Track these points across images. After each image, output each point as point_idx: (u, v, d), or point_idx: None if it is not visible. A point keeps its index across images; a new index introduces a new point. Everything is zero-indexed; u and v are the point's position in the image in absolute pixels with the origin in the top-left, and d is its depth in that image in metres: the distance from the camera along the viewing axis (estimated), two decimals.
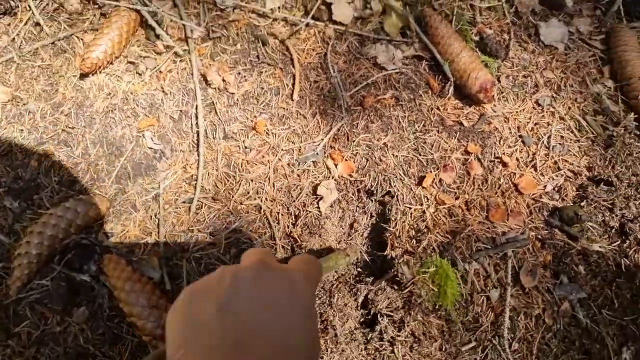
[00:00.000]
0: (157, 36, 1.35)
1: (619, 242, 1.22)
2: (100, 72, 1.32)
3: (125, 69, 1.35)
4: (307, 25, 1.40)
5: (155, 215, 1.22)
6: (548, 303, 1.16)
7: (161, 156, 1.28)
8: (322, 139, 1.30)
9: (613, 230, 1.24)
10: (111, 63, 1.34)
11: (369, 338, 1.11)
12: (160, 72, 1.34)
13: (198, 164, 1.26)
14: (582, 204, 1.25)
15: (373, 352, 1.10)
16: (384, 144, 1.29)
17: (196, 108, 1.30)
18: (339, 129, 1.31)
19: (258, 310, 0.50)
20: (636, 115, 1.39)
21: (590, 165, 1.32)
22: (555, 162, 1.31)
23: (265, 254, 0.61)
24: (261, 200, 1.24)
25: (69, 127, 1.28)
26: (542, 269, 1.19)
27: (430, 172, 1.27)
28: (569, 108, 1.39)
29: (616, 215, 1.24)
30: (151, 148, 1.28)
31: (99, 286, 1.15)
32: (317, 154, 1.28)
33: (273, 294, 0.53)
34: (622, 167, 1.30)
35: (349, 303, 1.13)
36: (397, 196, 1.24)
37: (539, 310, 1.15)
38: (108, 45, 1.30)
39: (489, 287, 1.17)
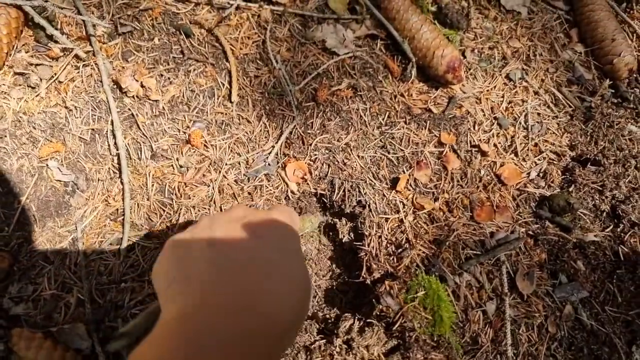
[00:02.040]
0: (50, 37, 1.05)
1: (611, 227, 1.09)
2: None
3: (13, 82, 1.04)
4: (238, 8, 1.15)
5: (76, 266, 0.96)
6: (549, 308, 1.01)
7: (74, 189, 1.01)
8: (273, 146, 1.07)
9: (604, 214, 1.11)
10: None
11: None
12: (60, 82, 1.05)
13: (123, 194, 1.00)
14: (570, 189, 1.10)
15: None
16: (346, 144, 1.08)
17: (112, 124, 1.03)
18: (291, 132, 1.08)
19: (242, 242, 0.51)
20: (611, 82, 1.25)
21: (572, 143, 1.17)
22: (536, 145, 1.15)
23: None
24: None
25: None
26: (539, 270, 1.04)
27: (404, 172, 1.08)
28: (542, 80, 1.23)
29: (607, 198, 1.11)
30: (60, 180, 1.00)
31: None
32: (269, 164, 1.06)
33: (255, 228, 0.54)
34: (605, 142, 1.16)
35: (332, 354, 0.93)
36: (369, 205, 1.04)
37: (540, 318, 1.00)
38: None
39: (483, 299, 1.01)
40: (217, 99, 1.08)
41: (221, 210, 1.02)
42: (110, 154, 1.03)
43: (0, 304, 0.92)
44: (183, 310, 0.46)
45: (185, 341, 0.42)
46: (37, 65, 1.05)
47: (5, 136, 1.01)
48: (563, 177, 1.13)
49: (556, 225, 1.08)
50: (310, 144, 1.07)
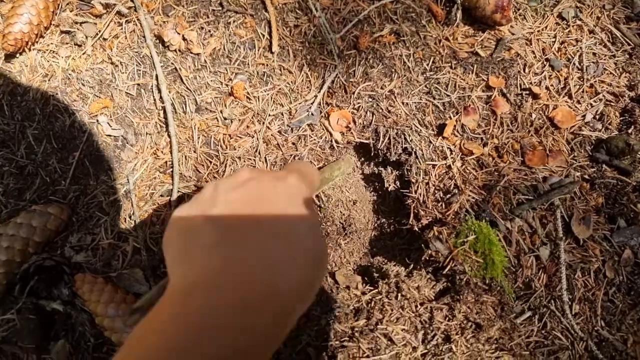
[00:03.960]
0: None
1: None
2: (29, 50, 1.03)
3: (60, 41, 1.05)
4: None
5: (130, 217, 0.98)
6: (607, 253, 0.96)
7: (124, 144, 1.02)
8: (315, 96, 1.05)
9: None
10: (41, 36, 1.05)
11: (420, 340, 0.89)
12: (105, 39, 1.05)
13: (171, 147, 1.01)
14: (629, 131, 1.03)
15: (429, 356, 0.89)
16: (390, 91, 1.05)
17: (156, 78, 1.03)
18: (333, 81, 1.05)
19: (245, 209, 0.48)
20: None
21: (632, 83, 1.09)
22: (592, 85, 1.08)
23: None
24: None
25: (4, 124, 1.01)
26: (595, 215, 0.99)
27: (450, 117, 1.03)
28: (598, 18, 1.14)
29: None
30: (110, 135, 1.02)
31: (76, 312, 0.93)
32: (312, 114, 1.04)
33: (261, 192, 0.51)
34: None
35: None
36: (415, 152, 1.00)
37: (597, 263, 0.96)
38: (32, 14, 1.00)
39: (536, 244, 0.97)
40: (258, 50, 1.06)
41: (266, 161, 1.01)
42: (157, 108, 1.04)
43: (63, 253, 0.96)
44: (184, 285, 0.45)
45: (184, 316, 0.41)
46: (82, 23, 1.06)
47: (57, 94, 1.02)
48: (621, 118, 1.06)
49: (614, 169, 1.02)
50: (353, 93, 1.04)
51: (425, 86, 1.06)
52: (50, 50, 1.04)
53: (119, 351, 0.41)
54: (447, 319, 0.87)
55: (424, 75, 1.06)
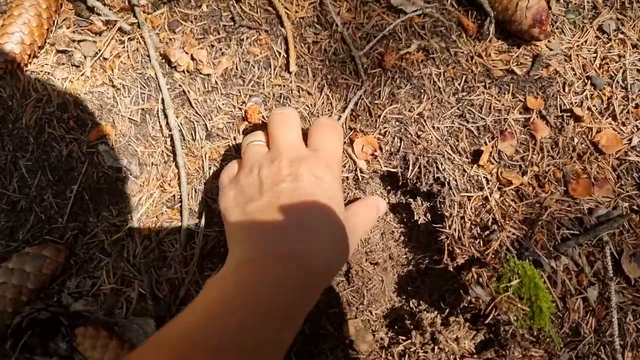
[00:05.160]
0: (91, 9, 0.95)
1: None
2: (22, 72, 0.92)
3: (56, 61, 0.95)
4: None
5: (134, 258, 0.88)
6: None
7: (127, 175, 0.91)
8: (338, 118, 0.94)
9: None
10: (35, 56, 0.94)
11: None
12: (105, 59, 0.94)
13: (179, 178, 0.90)
14: None
15: None
16: (419, 114, 0.94)
17: (163, 102, 0.92)
18: (356, 103, 0.95)
19: (289, 199, 0.61)
20: None
21: None
22: (637, 106, 0.98)
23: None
24: None
25: None
26: None
27: (486, 143, 0.93)
28: None
29: None
30: (112, 166, 0.91)
31: None
32: None
33: (300, 189, 0.63)
34: None
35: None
36: (448, 183, 0.90)
37: None
38: (24, 32, 0.90)
39: (584, 285, 0.87)
40: (274, 69, 0.96)
41: None
42: (163, 135, 0.93)
43: (60, 300, 0.85)
44: (243, 259, 0.59)
45: (235, 286, 0.55)
46: (79, 41, 0.95)
47: (52, 120, 0.92)
48: None
49: None
50: (379, 116, 0.94)
51: (458, 108, 0.95)
52: (45, 72, 0.94)
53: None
54: None
55: (456, 96, 0.96)
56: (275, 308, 0.53)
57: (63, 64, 0.95)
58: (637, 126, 0.97)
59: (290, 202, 0.61)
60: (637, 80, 1.00)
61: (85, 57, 0.94)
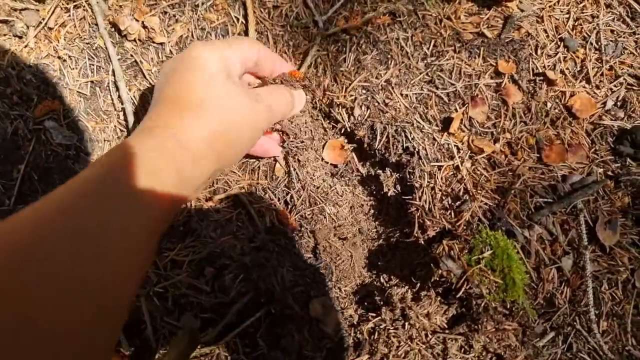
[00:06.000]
0: None
1: None
2: None
3: None
4: None
5: None
6: (636, 261, 0.83)
7: (78, 153, 0.85)
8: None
9: None
10: None
11: None
12: (49, 29, 0.87)
13: None
14: None
15: None
16: (387, 81, 0.88)
17: (113, 74, 0.85)
18: (320, 68, 0.89)
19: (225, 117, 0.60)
20: None
21: None
22: (611, 68, 0.93)
23: None
24: (234, 191, 0.84)
25: None
26: (622, 217, 0.85)
27: (456, 110, 0.88)
28: None
29: None
30: (60, 144, 0.84)
31: None
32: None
33: (236, 116, 0.62)
34: None
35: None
36: (418, 152, 0.85)
37: (626, 272, 0.83)
38: None
39: (558, 254, 0.83)
40: (232, 35, 0.89)
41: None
42: (115, 109, 0.86)
43: None
44: (209, 133, 0.58)
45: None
46: (21, 10, 0.87)
47: None
48: None
49: None
50: (344, 84, 0.88)
51: (427, 74, 0.90)
52: None
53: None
54: (464, 351, 0.73)
55: (425, 61, 0.90)
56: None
57: (4, 35, 0.87)
58: (611, 89, 0.93)
59: (225, 118, 0.64)
60: (611, 41, 0.95)
61: (27, 27, 0.87)
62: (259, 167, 0.87)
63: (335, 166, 0.91)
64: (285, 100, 0.75)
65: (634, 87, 0.93)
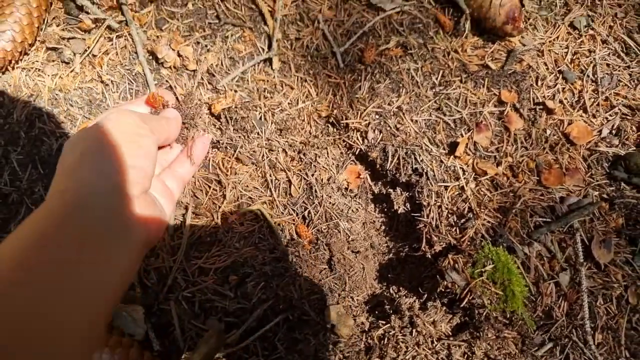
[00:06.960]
0: (80, 8, 0.96)
1: None
2: (13, 68, 0.93)
3: (46, 58, 0.95)
4: None
5: None
6: (629, 278, 0.89)
7: None
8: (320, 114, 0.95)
9: None
10: (25, 54, 0.95)
11: None
12: (94, 56, 0.95)
13: None
14: None
15: None
16: (398, 107, 0.96)
17: None
18: (339, 96, 0.96)
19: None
20: None
21: None
22: (607, 99, 1.00)
23: None
24: (257, 206, 0.91)
25: None
26: (616, 237, 0.91)
27: (462, 135, 0.95)
28: (610, 27, 1.06)
29: None
30: None
31: None
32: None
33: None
34: None
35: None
36: (426, 173, 0.92)
37: (620, 289, 0.88)
38: (15, 31, 0.90)
39: (556, 270, 0.89)
40: (258, 65, 0.97)
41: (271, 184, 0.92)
42: None
43: None
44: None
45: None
46: (69, 39, 0.96)
47: (43, 115, 0.92)
48: (639, 133, 0.98)
49: (633, 187, 0.94)
50: (359, 109, 0.95)
51: (435, 102, 0.97)
52: (36, 69, 0.94)
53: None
54: (467, 356, 0.79)
55: (433, 90, 0.98)
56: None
57: (53, 60, 0.96)
58: (606, 118, 0.99)
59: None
60: (607, 74, 1.02)
61: (74, 54, 0.95)
62: (279, 184, 0.94)
63: (351, 190, 0.97)
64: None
65: (628, 117, 0.99)
